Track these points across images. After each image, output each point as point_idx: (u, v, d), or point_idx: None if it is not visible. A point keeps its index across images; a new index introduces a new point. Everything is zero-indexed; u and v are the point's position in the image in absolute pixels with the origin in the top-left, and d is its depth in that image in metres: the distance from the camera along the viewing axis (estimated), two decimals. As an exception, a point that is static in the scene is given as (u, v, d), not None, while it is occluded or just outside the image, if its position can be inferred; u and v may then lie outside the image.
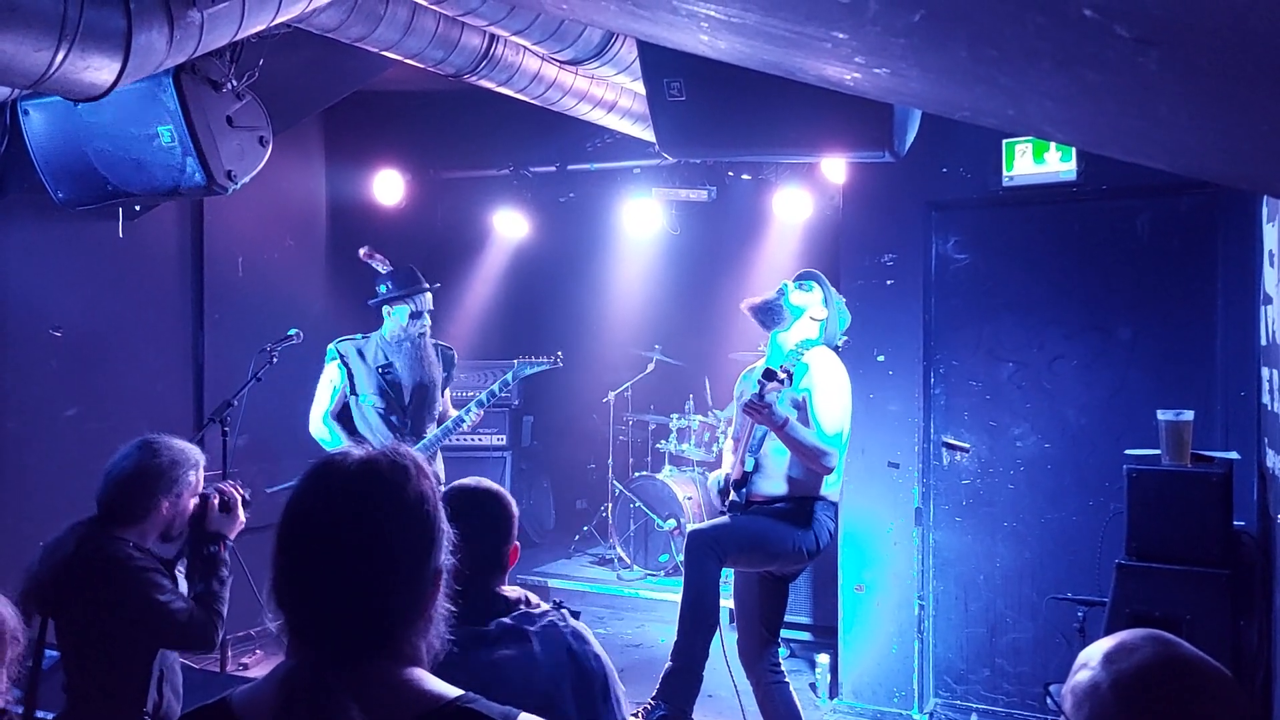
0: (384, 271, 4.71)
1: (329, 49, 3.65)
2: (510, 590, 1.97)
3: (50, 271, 4.62)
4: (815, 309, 3.68)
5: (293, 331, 4.43)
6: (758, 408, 3.37)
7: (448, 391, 4.85)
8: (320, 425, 4.52)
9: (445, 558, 1.23)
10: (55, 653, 2.86)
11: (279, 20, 2.91)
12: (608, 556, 6.81)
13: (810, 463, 3.47)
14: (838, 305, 3.77)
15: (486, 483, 2.07)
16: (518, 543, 2.04)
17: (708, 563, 3.38)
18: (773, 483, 3.59)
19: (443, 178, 7.04)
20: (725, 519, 3.61)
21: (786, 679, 3.70)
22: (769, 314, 3.67)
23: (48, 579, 2.50)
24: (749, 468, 3.62)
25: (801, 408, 3.52)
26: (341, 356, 4.58)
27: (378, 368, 4.57)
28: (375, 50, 3.57)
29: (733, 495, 3.61)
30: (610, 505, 6.81)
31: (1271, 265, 3.31)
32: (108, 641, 2.52)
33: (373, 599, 1.16)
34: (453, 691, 1.18)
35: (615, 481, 6.84)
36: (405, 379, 4.58)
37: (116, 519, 2.59)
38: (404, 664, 1.18)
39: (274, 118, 3.47)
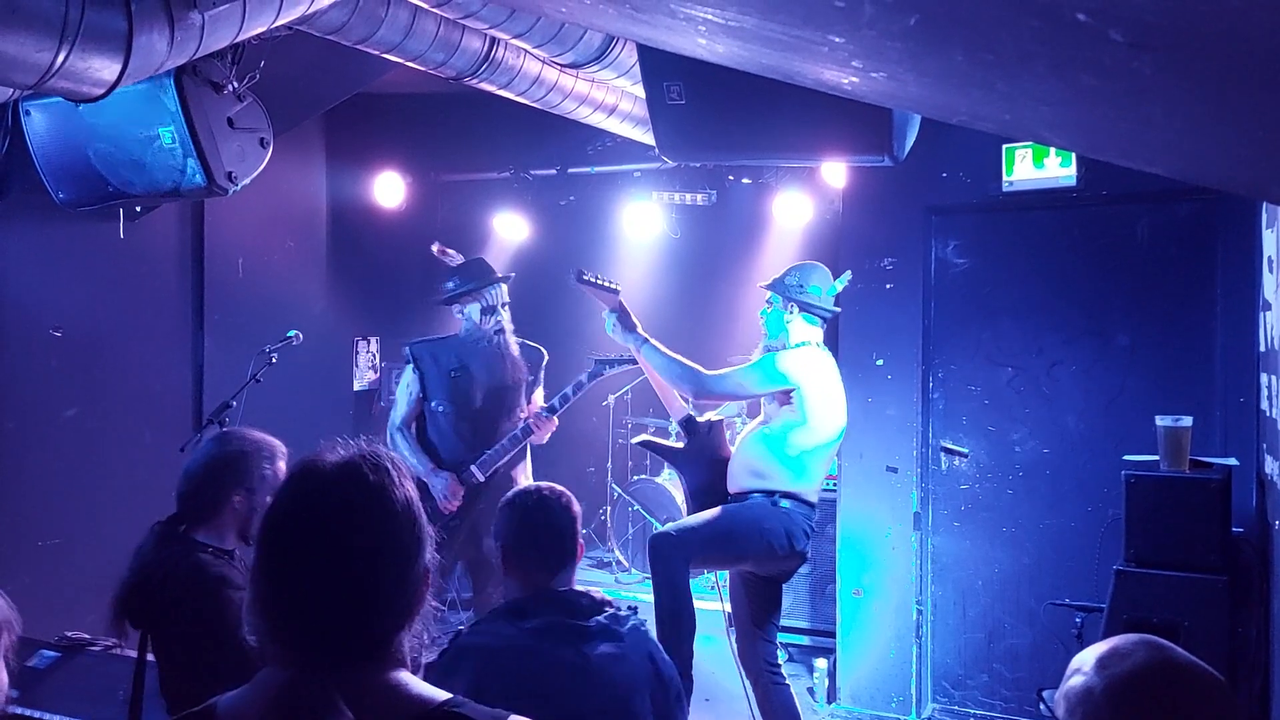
0: (454, 266, 4.44)
1: (330, 51, 3.65)
2: (594, 591, 2.14)
3: (50, 272, 4.62)
4: (790, 316, 3.76)
5: (292, 333, 4.42)
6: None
7: (538, 394, 4.48)
8: (392, 434, 4.27)
9: (431, 556, 1.22)
10: (52, 653, 2.84)
11: (280, 22, 2.92)
12: (606, 560, 6.80)
13: (677, 387, 3.69)
14: (812, 289, 3.76)
15: (556, 488, 2.23)
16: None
17: (675, 564, 3.37)
18: (742, 476, 3.63)
19: (443, 180, 7.04)
20: (689, 518, 3.62)
21: (786, 681, 3.70)
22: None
23: (135, 588, 2.33)
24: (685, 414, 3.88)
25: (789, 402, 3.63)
26: (416, 359, 4.35)
27: (449, 371, 4.31)
28: (376, 52, 3.58)
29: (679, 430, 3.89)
30: (609, 508, 6.80)
31: (1271, 271, 3.31)
32: (197, 655, 2.30)
33: (361, 605, 1.14)
34: (440, 695, 1.17)
35: (614, 485, 6.84)
36: (478, 382, 4.31)
37: (190, 516, 2.45)
38: (390, 667, 1.17)
39: (275, 119, 3.47)
